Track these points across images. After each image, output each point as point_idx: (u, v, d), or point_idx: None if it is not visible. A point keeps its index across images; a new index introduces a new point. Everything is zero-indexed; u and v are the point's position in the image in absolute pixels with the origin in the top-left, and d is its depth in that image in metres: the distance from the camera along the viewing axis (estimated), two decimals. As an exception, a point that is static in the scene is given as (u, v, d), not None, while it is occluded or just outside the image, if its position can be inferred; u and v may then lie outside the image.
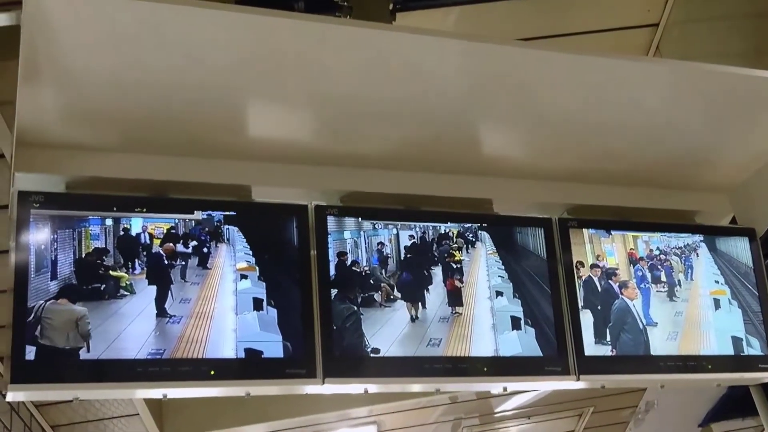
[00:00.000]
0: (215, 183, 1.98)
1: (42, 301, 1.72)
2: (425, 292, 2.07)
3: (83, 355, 1.71)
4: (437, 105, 1.97)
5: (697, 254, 2.39)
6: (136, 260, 1.86)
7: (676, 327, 2.25)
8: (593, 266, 2.23)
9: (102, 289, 1.80)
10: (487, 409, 5.25)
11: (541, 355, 2.08)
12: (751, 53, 3.06)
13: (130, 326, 1.77)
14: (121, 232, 1.86)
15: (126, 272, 1.83)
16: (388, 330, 1.97)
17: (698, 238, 2.41)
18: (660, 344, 2.20)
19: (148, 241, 1.88)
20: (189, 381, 1.78)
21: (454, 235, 2.15)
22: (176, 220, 1.92)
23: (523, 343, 2.08)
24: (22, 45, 1.56)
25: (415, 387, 2.26)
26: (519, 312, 2.11)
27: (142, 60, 1.70)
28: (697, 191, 2.47)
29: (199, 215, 1.94)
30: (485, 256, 2.17)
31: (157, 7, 1.57)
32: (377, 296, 2.02)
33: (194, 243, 1.92)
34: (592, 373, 2.11)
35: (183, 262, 1.89)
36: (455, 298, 2.08)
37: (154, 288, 1.84)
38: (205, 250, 1.92)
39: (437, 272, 2.10)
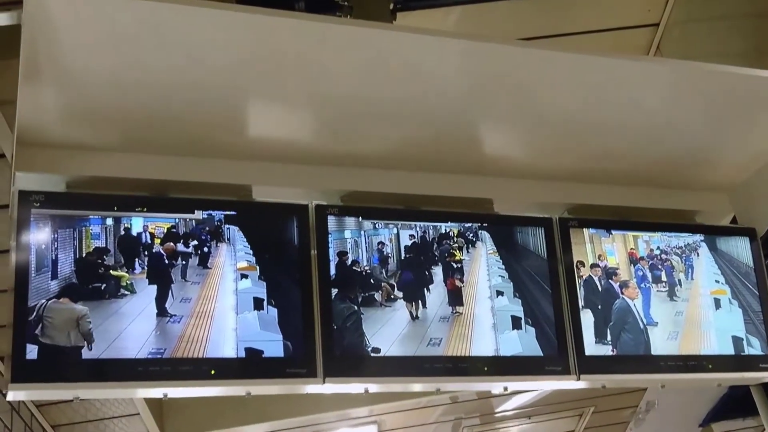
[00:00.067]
0: (216, 182, 1.98)
1: (44, 300, 1.72)
2: (426, 291, 2.07)
3: (84, 354, 1.72)
4: (437, 105, 1.97)
5: (698, 254, 2.39)
6: (137, 260, 1.86)
7: (677, 327, 2.25)
8: (594, 266, 2.23)
9: (102, 288, 1.80)
10: (487, 408, 5.25)
11: (542, 354, 2.08)
12: (751, 53, 3.06)
13: (131, 325, 1.78)
14: (122, 232, 1.86)
15: (126, 272, 1.83)
16: (388, 329, 1.97)
17: (699, 237, 2.41)
18: (660, 344, 2.20)
19: (148, 241, 1.88)
20: (189, 380, 1.78)
21: (455, 234, 2.15)
22: (177, 220, 1.92)
23: (523, 342, 2.08)
24: (23, 44, 1.56)
25: (416, 387, 2.26)
26: (519, 311, 2.11)
27: (142, 60, 1.70)
28: (698, 191, 2.46)
29: (199, 215, 1.94)
30: (486, 255, 2.17)
31: (157, 7, 1.57)
32: (378, 296, 2.02)
33: (195, 242, 1.92)
34: (592, 373, 2.11)
35: (183, 262, 1.89)
36: (456, 297, 2.08)
37: (154, 287, 1.84)
38: (206, 249, 1.92)
39: (438, 272, 2.10)
